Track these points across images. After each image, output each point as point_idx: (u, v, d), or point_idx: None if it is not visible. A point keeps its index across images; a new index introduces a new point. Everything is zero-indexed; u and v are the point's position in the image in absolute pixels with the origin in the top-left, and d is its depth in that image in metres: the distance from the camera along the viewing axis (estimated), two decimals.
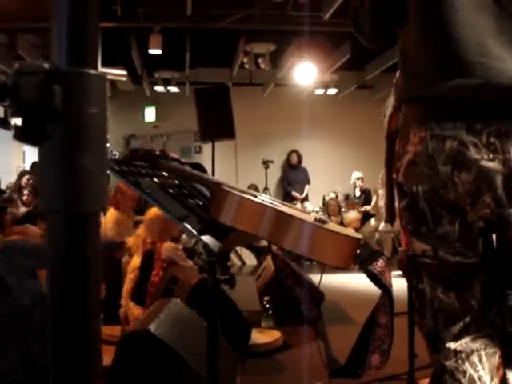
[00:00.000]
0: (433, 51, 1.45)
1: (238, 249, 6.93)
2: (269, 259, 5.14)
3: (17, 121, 0.57)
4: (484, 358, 1.46)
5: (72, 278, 0.57)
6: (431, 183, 1.44)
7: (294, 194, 10.60)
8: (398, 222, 6.51)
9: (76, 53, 0.58)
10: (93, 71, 0.58)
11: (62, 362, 0.58)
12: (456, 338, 1.48)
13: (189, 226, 1.61)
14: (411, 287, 1.57)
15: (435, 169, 1.42)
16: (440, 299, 1.49)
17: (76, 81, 0.57)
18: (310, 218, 1.60)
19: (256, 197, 1.67)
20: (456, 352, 1.47)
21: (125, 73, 0.61)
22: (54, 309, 0.58)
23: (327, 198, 9.76)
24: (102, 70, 0.59)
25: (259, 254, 6.58)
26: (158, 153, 1.79)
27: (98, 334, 0.60)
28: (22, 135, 0.56)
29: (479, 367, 1.45)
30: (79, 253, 0.57)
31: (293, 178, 10.87)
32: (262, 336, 3.90)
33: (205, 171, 2.00)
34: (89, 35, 0.59)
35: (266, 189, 10.06)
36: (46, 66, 0.56)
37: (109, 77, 0.60)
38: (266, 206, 1.57)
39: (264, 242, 5.70)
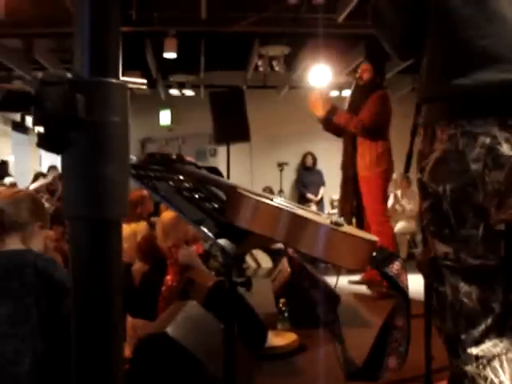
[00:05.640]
0: (461, 47, 1.42)
1: (253, 251, 6.94)
2: (284, 262, 5.13)
3: (40, 128, 0.59)
4: (505, 363, 1.43)
5: (95, 282, 0.59)
6: (461, 181, 1.41)
7: (309, 196, 10.58)
8: (412, 224, 6.50)
9: (97, 62, 0.59)
10: (114, 80, 0.59)
11: (85, 366, 0.60)
12: (477, 342, 1.46)
13: (205, 230, 1.62)
14: (431, 290, 1.55)
15: (466, 166, 1.39)
16: (461, 302, 1.47)
17: (98, 90, 0.58)
18: (326, 221, 1.61)
19: (272, 200, 1.68)
20: (477, 357, 1.45)
21: (145, 81, 0.63)
22: (77, 311, 0.59)
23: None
24: (122, 78, 0.61)
25: (274, 256, 6.58)
26: (174, 157, 1.81)
27: (121, 338, 0.61)
28: (46, 143, 0.57)
29: (500, 373, 1.43)
30: (102, 258, 0.58)
31: (308, 180, 10.85)
32: (279, 338, 3.91)
33: (221, 175, 2.01)
34: (110, 45, 0.60)
35: (280, 191, 10.05)
36: (69, 75, 0.58)
37: (129, 85, 0.61)
38: (281, 209, 1.58)
39: (279, 245, 5.72)
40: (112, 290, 0.59)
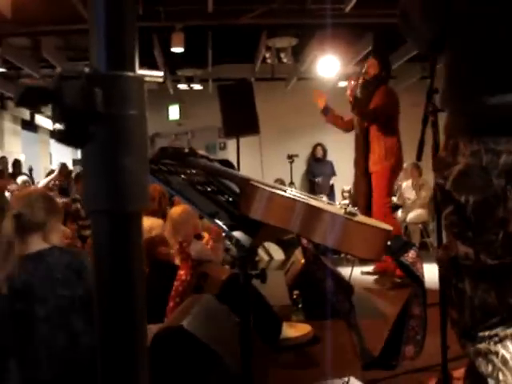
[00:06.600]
0: (487, 65, 1.47)
1: (265, 243, 6.94)
2: (297, 253, 5.14)
3: (57, 124, 0.58)
4: None
5: (117, 275, 0.59)
6: (484, 194, 1.45)
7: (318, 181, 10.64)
8: (424, 213, 6.54)
9: (114, 56, 0.59)
10: (131, 73, 0.59)
11: (109, 360, 0.60)
12: (491, 327, 1.52)
13: (220, 222, 1.62)
14: (450, 285, 1.58)
15: (489, 181, 1.44)
16: (480, 298, 1.52)
17: (115, 83, 0.58)
18: (340, 211, 1.61)
19: (285, 191, 1.68)
20: (490, 336, 1.51)
21: (161, 74, 0.63)
22: (99, 305, 0.60)
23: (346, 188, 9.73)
24: (139, 71, 0.61)
25: (286, 248, 6.58)
26: (186, 151, 1.81)
27: (144, 331, 0.61)
28: (66, 138, 0.57)
29: (511, 348, 1.49)
30: (123, 251, 0.59)
31: (318, 171, 10.86)
32: (293, 330, 3.91)
33: (233, 167, 2.02)
34: (126, 39, 0.60)
35: (291, 183, 10.04)
36: (86, 70, 0.58)
37: (146, 78, 0.62)
38: (295, 200, 1.58)
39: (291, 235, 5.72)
40: (134, 282, 0.59)
